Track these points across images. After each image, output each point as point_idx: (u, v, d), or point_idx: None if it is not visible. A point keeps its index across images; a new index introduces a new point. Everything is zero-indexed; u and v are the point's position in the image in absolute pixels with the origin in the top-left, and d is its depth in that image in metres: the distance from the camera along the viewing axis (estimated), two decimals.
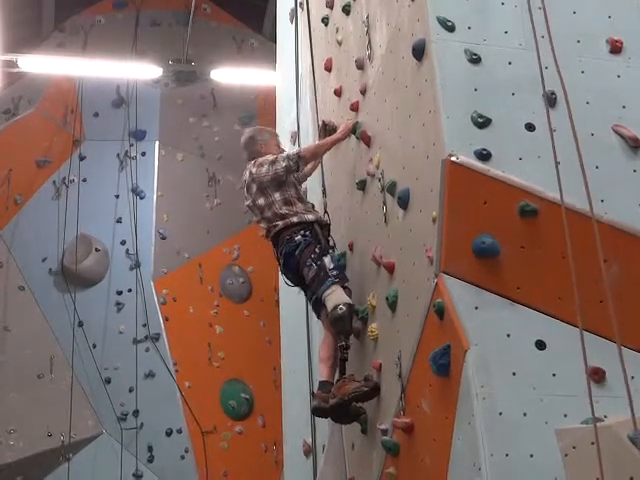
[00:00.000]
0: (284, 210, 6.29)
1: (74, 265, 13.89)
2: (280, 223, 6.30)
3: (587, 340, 4.53)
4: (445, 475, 4.63)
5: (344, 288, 6.03)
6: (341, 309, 5.85)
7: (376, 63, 6.18)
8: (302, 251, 6.16)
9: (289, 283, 6.46)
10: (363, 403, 5.79)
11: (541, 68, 4.76)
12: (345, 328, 5.88)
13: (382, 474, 5.50)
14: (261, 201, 6.43)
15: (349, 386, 5.68)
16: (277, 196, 6.35)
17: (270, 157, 6.55)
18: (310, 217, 6.30)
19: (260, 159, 6.59)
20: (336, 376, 5.88)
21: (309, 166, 6.86)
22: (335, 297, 5.93)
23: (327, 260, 6.07)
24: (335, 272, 6.03)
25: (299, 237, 6.21)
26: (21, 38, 14.50)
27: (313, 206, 6.55)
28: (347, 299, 5.93)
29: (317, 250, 6.12)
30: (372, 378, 5.74)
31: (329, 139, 6.64)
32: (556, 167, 4.49)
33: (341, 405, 5.71)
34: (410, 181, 5.42)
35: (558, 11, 5.16)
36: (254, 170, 6.54)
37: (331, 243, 6.34)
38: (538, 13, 5.12)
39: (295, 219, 6.27)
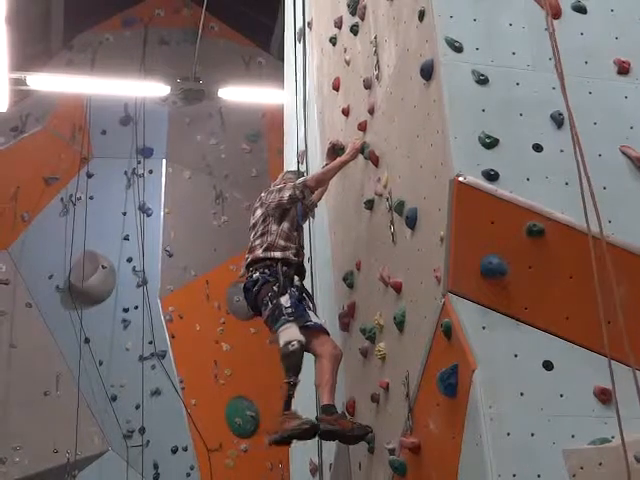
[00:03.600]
0: (276, 243, 6.26)
1: (81, 282, 13.89)
2: (251, 255, 6.33)
3: (594, 360, 4.56)
4: None
5: (305, 327, 5.99)
6: (293, 345, 5.83)
7: (384, 83, 6.21)
8: (259, 290, 6.15)
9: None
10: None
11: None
12: (295, 365, 5.87)
13: None
14: (259, 227, 6.41)
15: (291, 423, 5.73)
16: (275, 228, 6.34)
17: (280, 185, 6.59)
18: (277, 254, 6.22)
19: (272, 187, 6.64)
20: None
21: (317, 192, 6.84)
22: (287, 334, 5.90)
23: (284, 299, 6.03)
24: (290, 310, 5.98)
25: (257, 274, 6.18)
26: (29, 56, 14.57)
27: (299, 247, 6.42)
28: (299, 337, 5.88)
29: (275, 289, 6.09)
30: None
31: (335, 163, 6.62)
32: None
33: (280, 441, 5.83)
34: (418, 201, 5.43)
35: (565, 32, 5.20)
36: (264, 195, 6.58)
37: (296, 282, 6.23)
38: (546, 34, 5.17)
39: (261, 254, 6.24)
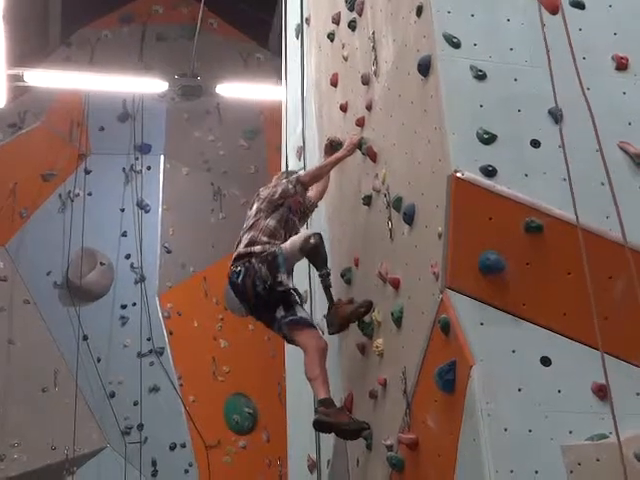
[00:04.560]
0: (258, 238, 6.25)
1: (79, 279, 13.90)
2: (236, 252, 6.32)
3: (592, 356, 4.55)
4: None
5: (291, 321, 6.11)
6: (313, 238, 6.04)
7: (382, 79, 6.20)
8: (244, 277, 6.12)
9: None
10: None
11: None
12: (321, 255, 6.09)
13: None
14: (250, 221, 6.41)
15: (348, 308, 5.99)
16: (262, 223, 6.32)
17: (276, 181, 6.61)
18: (257, 249, 6.20)
19: (269, 185, 6.66)
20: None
21: (315, 190, 6.81)
22: (298, 236, 6.16)
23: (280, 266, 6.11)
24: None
25: (240, 268, 6.17)
26: (27, 52, 14.53)
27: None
28: (309, 232, 6.15)
29: (261, 267, 6.12)
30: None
31: (331, 159, 6.59)
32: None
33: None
34: (416, 197, 5.42)
35: (563, 28, 5.17)
36: (262, 190, 6.59)
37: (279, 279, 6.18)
38: (543, 30, 5.16)
39: (242, 249, 6.25)
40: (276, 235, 6.28)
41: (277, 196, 6.39)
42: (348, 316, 6.08)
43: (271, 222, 6.31)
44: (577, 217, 4.39)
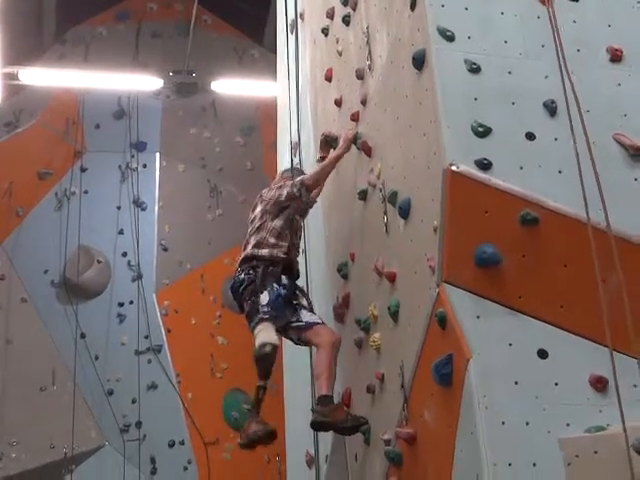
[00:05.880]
0: (265, 240, 6.29)
1: (76, 277, 13.89)
2: (243, 252, 6.36)
3: (589, 349, 4.56)
4: None
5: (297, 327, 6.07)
6: (267, 347, 5.85)
7: (376, 73, 6.19)
8: (245, 289, 6.18)
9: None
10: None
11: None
12: (267, 368, 5.90)
13: None
14: (256, 224, 6.44)
15: (252, 428, 5.77)
16: (269, 224, 6.35)
17: (280, 183, 6.62)
18: (264, 252, 6.24)
19: (272, 185, 6.66)
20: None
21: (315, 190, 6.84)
22: (262, 335, 5.92)
23: (262, 296, 6.03)
24: (266, 309, 5.98)
25: (243, 276, 6.21)
26: (22, 50, 14.52)
27: (291, 245, 6.40)
28: (274, 339, 5.89)
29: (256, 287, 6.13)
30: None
31: (330, 159, 6.60)
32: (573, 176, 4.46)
33: (246, 445, 5.82)
34: (411, 191, 5.42)
35: (558, 20, 5.17)
36: (264, 191, 6.61)
37: (284, 281, 6.19)
38: (538, 22, 5.16)
39: (249, 251, 6.29)
40: (282, 236, 6.33)
41: (283, 199, 6.42)
42: (247, 436, 5.86)
43: (277, 223, 6.36)
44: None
